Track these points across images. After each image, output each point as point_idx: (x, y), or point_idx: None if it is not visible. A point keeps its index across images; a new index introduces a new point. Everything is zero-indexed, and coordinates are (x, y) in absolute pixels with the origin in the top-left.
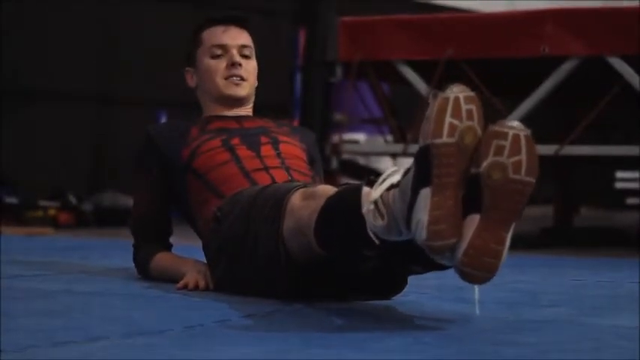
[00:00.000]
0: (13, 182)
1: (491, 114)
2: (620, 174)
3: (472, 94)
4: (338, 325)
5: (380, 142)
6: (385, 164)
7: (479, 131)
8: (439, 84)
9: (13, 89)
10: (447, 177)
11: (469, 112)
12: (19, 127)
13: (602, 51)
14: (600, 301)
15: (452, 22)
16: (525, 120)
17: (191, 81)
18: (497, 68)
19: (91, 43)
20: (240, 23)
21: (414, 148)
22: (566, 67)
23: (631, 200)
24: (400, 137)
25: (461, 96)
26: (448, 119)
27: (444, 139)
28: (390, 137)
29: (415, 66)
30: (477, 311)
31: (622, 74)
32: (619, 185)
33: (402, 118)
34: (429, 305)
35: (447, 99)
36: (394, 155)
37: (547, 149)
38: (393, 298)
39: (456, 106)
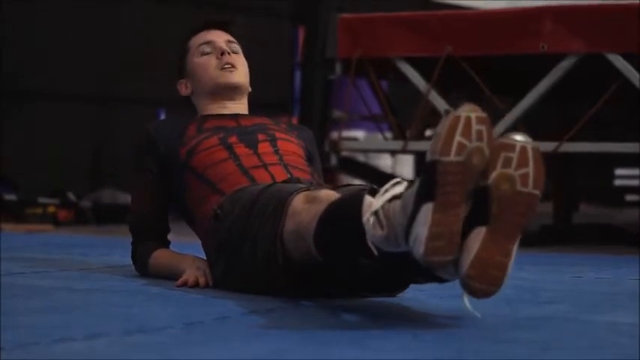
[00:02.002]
0: (13, 180)
1: (491, 111)
2: (619, 171)
3: (484, 114)
4: (338, 323)
5: (379, 139)
6: (384, 161)
7: (487, 153)
8: (438, 81)
9: (13, 89)
10: (451, 195)
11: (479, 133)
12: (19, 127)
13: (601, 48)
14: (599, 298)
15: (451, 19)
16: (524, 117)
17: (185, 90)
18: (496, 65)
19: (91, 43)
20: (223, 27)
21: (412, 145)
22: (565, 65)
23: (630, 197)
24: (399, 134)
25: (472, 116)
26: (457, 138)
27: (452, 157)
28: (389, 134)
29: (414, 63)
30: (478, 314)
31: (621, 71)
32: (618, 182)
33: (401, 116)
34: (429, 302)
35: (458, 118)
36: (393, 152)
37: (546, 146)
38: (397, 295)
39: (467, 125)
